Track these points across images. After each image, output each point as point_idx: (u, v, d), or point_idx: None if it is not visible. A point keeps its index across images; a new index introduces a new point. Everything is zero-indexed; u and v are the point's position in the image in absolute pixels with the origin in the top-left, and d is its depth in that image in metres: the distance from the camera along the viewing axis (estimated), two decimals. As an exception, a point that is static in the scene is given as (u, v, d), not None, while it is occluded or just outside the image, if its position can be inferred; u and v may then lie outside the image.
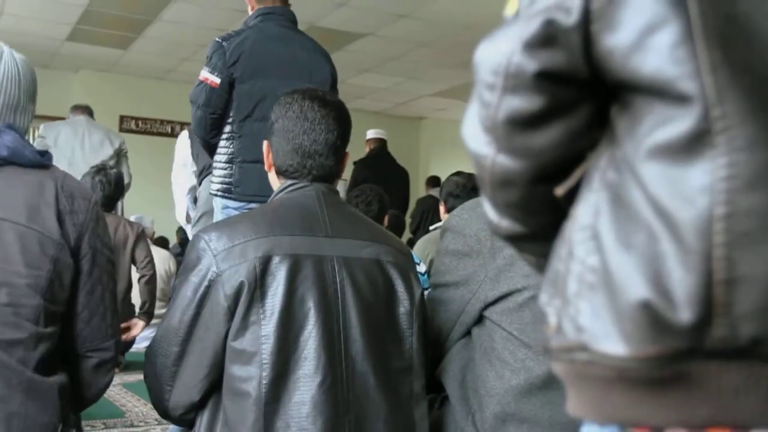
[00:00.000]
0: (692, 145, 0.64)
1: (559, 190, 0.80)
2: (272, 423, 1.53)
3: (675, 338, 0.63)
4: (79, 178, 1.74)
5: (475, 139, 0.83)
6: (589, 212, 0.72)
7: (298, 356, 1.56)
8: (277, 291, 1.56)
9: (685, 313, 0.62)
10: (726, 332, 0.61)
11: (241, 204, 2.99)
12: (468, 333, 2.13)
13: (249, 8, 3.40)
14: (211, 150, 3.21)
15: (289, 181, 1.75)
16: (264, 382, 1.53)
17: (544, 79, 0.74)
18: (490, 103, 0.78)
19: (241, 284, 1.55)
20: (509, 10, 0.79)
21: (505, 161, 0.81)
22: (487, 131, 0.81)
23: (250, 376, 1.54)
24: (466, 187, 3.43)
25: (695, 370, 0.64)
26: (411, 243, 5.69)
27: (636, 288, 0.65)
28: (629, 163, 0.69)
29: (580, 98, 0.75)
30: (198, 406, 1.66)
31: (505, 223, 0.88)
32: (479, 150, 0.82)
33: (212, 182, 3.17)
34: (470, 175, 3.60)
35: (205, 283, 1.58)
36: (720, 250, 0.61)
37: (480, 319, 2.08)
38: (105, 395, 3.59)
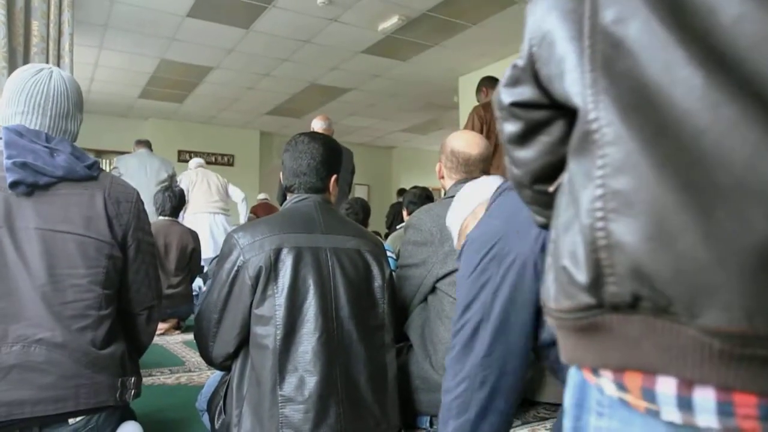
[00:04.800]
0: (583, 143, 0.62)
1: (550, 189, 0.78)
2: (284, 367, 1.52)
3: (582, 295, 0.60)
4: (143, 196, 1.65)
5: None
6: (556, 204, 0.69)
7: (302, 319, 1.55)
8: (286, 273, 1.55)
9: (583, 275, 0.60)
10: (615, 289, 0.57)
11: None
12: (425, 299, 2.13)
13: None
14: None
15: (295, 196, 1.75)
16: (278, 337, 1.52)
17: (517, 107, 0.74)
18: (499, 130, 0.79)
19: (260, 268, 1.54)
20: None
21: (513, 170, 0.81)
22: (504, 152, 0.82)
23: (268, 333, 1.53)
24: (421, 196, 3.43)
25: (603, 322, 0.60)
26: (387, 237, 5.68)
27: (562, 257, 0.63)
28: (568, 163, 0.66)
29: (551, 118, 0.73)
30: (233, 356, 1.64)
31: (537, 218, 0.87)
32: (507, 164, 0.83)
33: None
34: (424, 188, 3.60)
35: (235, 268, 1.56)
36: (599, 223, 0.58)
37: (433, 290, 2.08)
38: (169, 349, 3.57)
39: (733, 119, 0.52)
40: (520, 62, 0.73)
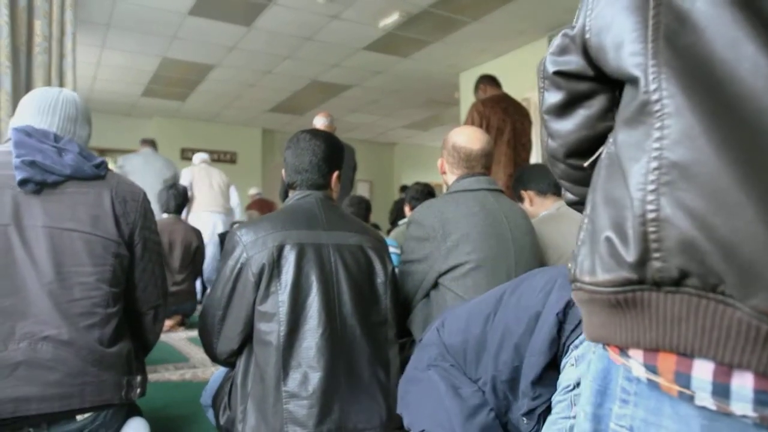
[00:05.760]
0: (638, 115, 0.60)
1: (585, 164, 0.77)
2: (288, 363, 1.53)
3: (625, 269, 0.58)
4: (148, 194, 1.63)
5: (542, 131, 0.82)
6: (595, 178, 0.68)
7: (306, 315, 1.55)
8: (289, 269, 1.55)
9: (629, 248, 0.58)
10: (661, 264, 0.55)
11: None
12: (427, 295, 2.13)
13: None
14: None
15: (297, 192, 1.75)
16: (282, 334, 1.52)
17: (561, 77, 0.74)
18: (539, 101, 0.78)
19: (263, 265, 1.54)
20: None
21: (550, 142, 0.80)
22: (542, 123, 0.81)
23: (271, 330, 1.53)
24: (423, 192, 3.43)
25: (644, 297, 0.58)
26: (388, 232, 5.67)
27: (604, 229, 0.61)
28: (615, 135, 0.65)
29: (594, 91, 0.73)
30: (237, 353, 1.65)
31: (567, 196, 0.86)
32: (542, 137, 0.82)
33: None
34: (426, 184, 3.60)
35: (239, 265, 1.57)
36: (650, 196, 0.56)
37: (436, 285, 2.07)
38: (174, 346, 3.58)
39: None
40: (571, 31, 0.72)
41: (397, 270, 1.92)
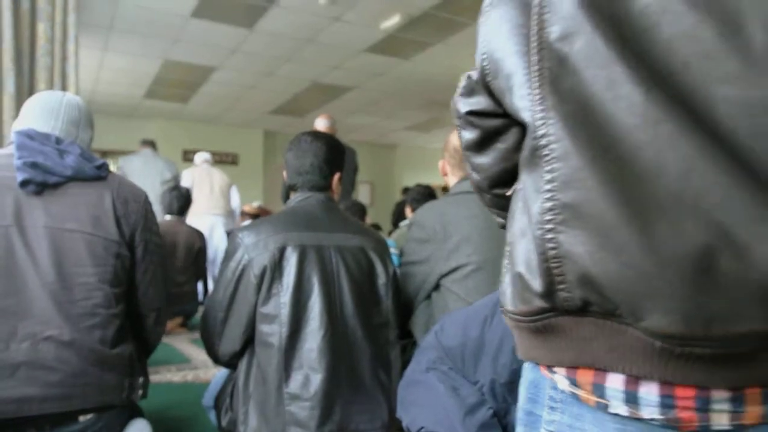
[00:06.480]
0: (532, 158, 0.64)
1: (508, 192, 0.80)
2: (290, 364, 1.53)
3: (537, 300, 0.64)
4: (148, 196, 1.63)
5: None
6: (513, 207, 0.72)
7: (307, 317, 1.55)
8: (290, 271, 1.55)
9: (537, 282, 0.63)
10: (566, 294, 0.61)
11: None
12: (429, 296, 2.12)
13: None
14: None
15: (299, 194, 1.75)
16: (283, 335, 1.52)
17: (474, 116, 0.76)
18: (459, 137, 0.81)
19: (265, 267, 1.54)
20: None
21: (474, 176, 0.83)
22: (464, 157, 0.83)
23: (273, 331, 1.53)
24: (424, 194, 3.43)
25: (558, 324, 0.64)
26: (390, 234, 5.67)
27: (518, 264, 0.66)
28: (520, 172, 0.69)
29: (506, 126, 0.74)
30: (239, 354, 1.64)
31: (499, 221, 0.89)
32: (467, 170, 0.85)
33: None
34: (427, 186, 3.60)
35: (240, 267, 1.57)
36: (549, 234, 0.61)
37: (437, 287, 2.07)
38: (176, 347, 3.58)
39: (669, 135, 0.55)
40: (474, 74, 0.75)
41: (396, 271, 1.91)
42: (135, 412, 1.56)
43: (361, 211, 3.76)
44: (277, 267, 1.54)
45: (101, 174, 1.49)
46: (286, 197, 2.13)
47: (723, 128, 0.53)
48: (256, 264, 1.54)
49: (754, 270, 0.52)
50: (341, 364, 1.56)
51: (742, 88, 0.53)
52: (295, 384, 1.51)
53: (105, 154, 8.67)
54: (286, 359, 1.52)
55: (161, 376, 2.86)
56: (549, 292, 0.62)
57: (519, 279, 0.66)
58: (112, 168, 1.61)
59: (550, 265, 0.61)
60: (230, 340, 1.62)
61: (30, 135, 1.43)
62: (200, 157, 5.95)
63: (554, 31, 0.61)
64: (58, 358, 1.30)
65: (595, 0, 0.59)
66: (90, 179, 1.46)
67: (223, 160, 9.59)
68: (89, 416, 1.36)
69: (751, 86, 0.53)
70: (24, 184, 1.36)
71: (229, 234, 5.25)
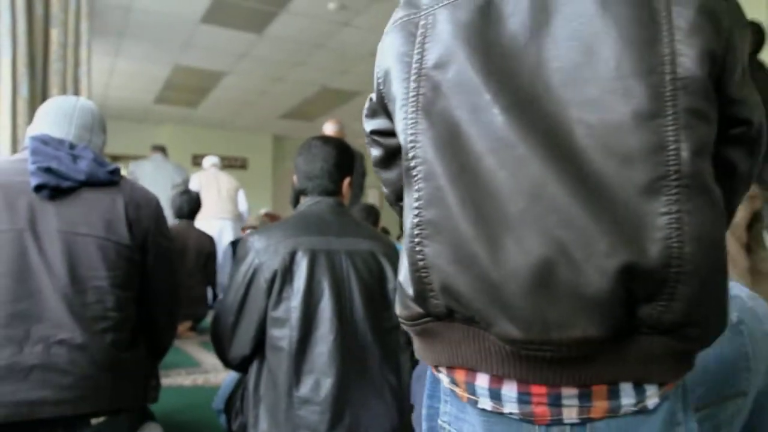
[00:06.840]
0: (406, 178, 0.70)
1: None
2: (300, 368, 1.53)
3: (414, 306, 0.70)
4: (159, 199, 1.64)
5: None
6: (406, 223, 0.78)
7: (317, 321, 1.55)
8: (301, 275, 1.55)
9: (411, 290, 0.69)
10: (435, 302, 0.67)
11: None
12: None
13: None
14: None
15: (308, 199, 1.75)
16: (294, 339, 1.53)
17: (377, 135, 0.83)
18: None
19: (275, 271, 1.54)
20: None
21: (384, 189, 0.90)
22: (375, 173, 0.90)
23: (284, 336, 1.54)
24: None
25: (433, 327, 0.70)
26: (399, 238, 5.66)
27: (400, 274, 0.73)
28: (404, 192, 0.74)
29: None
30: (249, 358, 1.65)
31: None
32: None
33: None
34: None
35: (251, 271, 1.57)
36: (418, 246, 0.67)
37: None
38: (186, 351, 3.59)
39: (522, 157, 0.60)
40: (374, 96, 0.81)
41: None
42: (146, 416, 1.56)
43: (374, 214, 3.76)
44: (287, 271, 1.55)
45: (114, 179, 1.50)
46: (296, 202, 2.14)
47: (577, 148, 0.59)
48: (266, 268, 1.55)
49: (587, 283, 0.57)
50: (351, 368, 1.56)
51: (598, 111, 0.58)
52: (305, 388, 1.51)
53: (116, 158, 8.73)
54: (296, 363, 1.52)
55: (172, 379, 2.87)
56: (423, 299, 0.68)
57: (400, 287, 0.72)
58: (123, 173, 1.62)
59: (420, 274, 0.67)
60: (240, 344, 1.62)
61: (44, 140, 1.45)
62: (208, 161, 5.94)
63: (432, 59, 0.67)
64: (70, 361, 1.31)
65: (468, 30, 0.64)
66: (103, 184, 1.47)
67: (232, 164, 9.63)
68: (101, 419, 1.36)
69: (606, 110, 0.58)
70: (38, 188, 1.38)
71: (234, 242, 5.29)
